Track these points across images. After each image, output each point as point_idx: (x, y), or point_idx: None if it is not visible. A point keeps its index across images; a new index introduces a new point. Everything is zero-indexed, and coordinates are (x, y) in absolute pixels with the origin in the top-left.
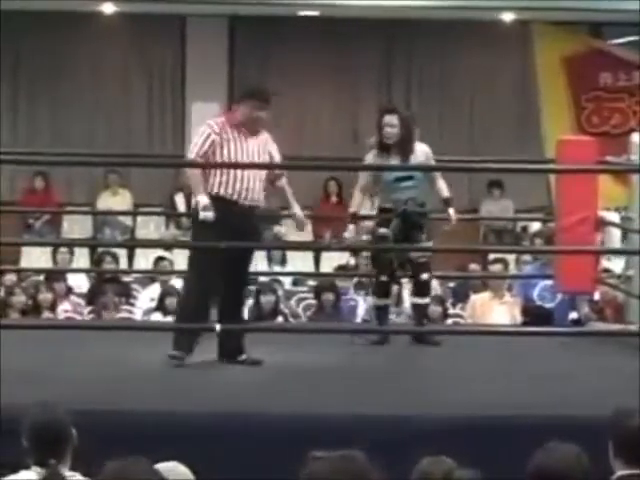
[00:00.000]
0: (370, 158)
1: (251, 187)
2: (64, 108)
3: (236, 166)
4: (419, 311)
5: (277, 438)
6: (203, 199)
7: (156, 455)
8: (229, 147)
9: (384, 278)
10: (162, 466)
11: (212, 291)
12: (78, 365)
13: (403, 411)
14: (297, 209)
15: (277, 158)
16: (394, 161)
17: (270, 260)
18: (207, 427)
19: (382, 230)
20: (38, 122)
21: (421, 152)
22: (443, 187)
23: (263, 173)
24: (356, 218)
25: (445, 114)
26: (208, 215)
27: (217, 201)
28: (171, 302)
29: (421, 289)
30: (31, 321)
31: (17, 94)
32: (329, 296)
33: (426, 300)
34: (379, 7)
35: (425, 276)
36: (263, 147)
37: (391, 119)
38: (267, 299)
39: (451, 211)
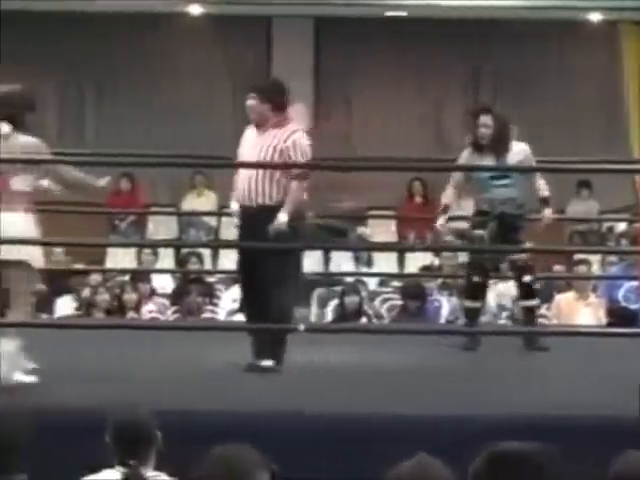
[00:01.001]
0: (465, 155)
1: (248, 187)
2: (149, 109)
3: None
4: (529, 314)
5: (354, 438)
6: (231, 205)
7: None
8: (241, 149)
9: (477, 280)
10: None
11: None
12: (155, 365)
13: (478, 411)
14: (282, 217)
15: (291, 155)
16: (487, 160)
17: (357, 261)
18: (283, 427)
19: (478, 232)
20: (123, 123)
21: (518, 151)
22: (542, 186)
23: (263, 171)
24: (447, 209)
25: (530, 114)
26: (234, 221)
27: None
28: None
29: (526, 291)
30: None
31: (102, 95)
32: (413, 297)
33: (534, 302)
34: (465, 7)
35: (527, 278)
36: (269, 143)
37: (486, 119)
38: (351, 300)
39: (547, 211)
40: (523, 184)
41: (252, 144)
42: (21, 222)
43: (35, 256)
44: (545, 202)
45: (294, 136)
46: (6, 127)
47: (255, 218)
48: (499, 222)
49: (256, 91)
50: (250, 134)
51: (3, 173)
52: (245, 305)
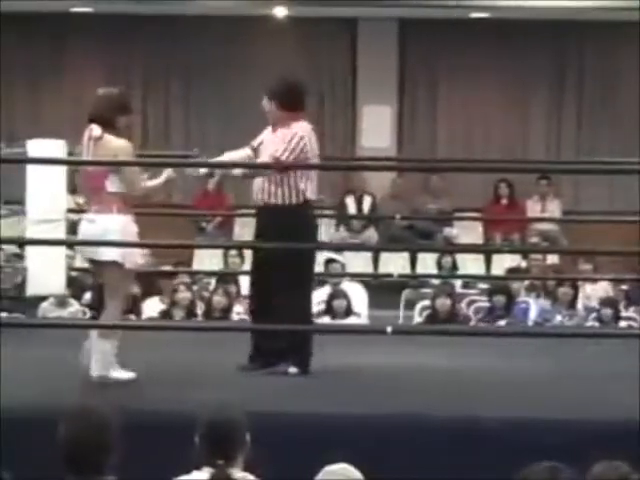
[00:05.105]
0: None
1: (257, 186)
2: (236, 110)
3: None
4: None
5: (438, 440)
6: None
7: (327, 457)
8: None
9: None
10: (331, 468)
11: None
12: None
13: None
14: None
15: (271, 151)
16: None
17: (439, 267)
18: (377, 429)
19: None
20: (209, 124)
21: None
22: None
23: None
24: None
25: (616, 114)
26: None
27: None
28: (339, 305)
29: None
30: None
31: (189, 96)
32: (500, 298)
33: None
34: (550, 8)
35: None
36: (277, 141)
37: None
38: (442, 302)
39: None
40: None
41: (265, 144)
42: (116, 224)
43: (130, 257)
44: None
45: (293, 132)
46: (98, 129)
47: (263, 216)
48: None
49: (266, 91)
50: (266, 134)
51: (96, 174)
52: (255, 306)
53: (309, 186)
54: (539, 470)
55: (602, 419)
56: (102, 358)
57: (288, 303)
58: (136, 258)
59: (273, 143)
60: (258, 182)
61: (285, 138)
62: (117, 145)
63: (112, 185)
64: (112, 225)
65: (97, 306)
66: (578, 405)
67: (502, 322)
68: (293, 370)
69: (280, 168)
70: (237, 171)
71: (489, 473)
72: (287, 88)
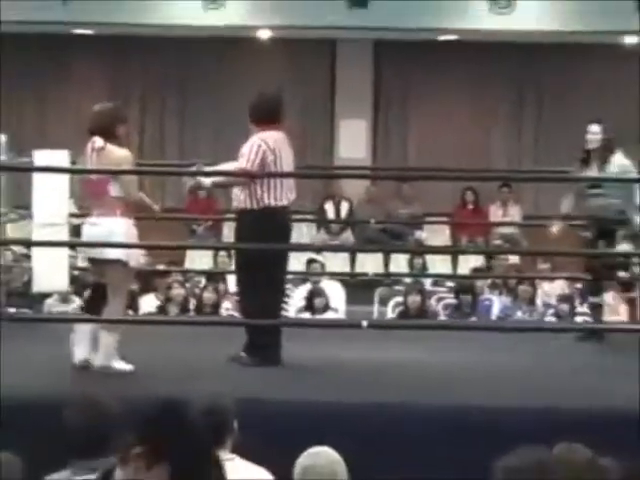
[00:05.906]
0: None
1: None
2: (226, 123)
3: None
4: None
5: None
6: None
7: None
8: None
9: (590, 278)
10: (312, 451)
11: None
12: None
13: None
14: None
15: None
16: (591, 170)
17: (410, 265)
18: (362, 416)
19: (585, 234)
20: (202, 136)
21: (617, 164)
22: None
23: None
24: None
25: (571, 128)
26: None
27: None
28: (319, 302)
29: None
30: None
31: (184, 110)
32: (466, 296)
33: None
34: (511, 32)
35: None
36: (240, 154)
37: (593, 128)
38: (413, 299)
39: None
40: (622, 193)
41: None
42: (120, 226)
43: (133, 256)
44: None
45: (250, 142)
46: (100, 141)
47: (237, 220)
48: (596, 226)
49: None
50: None
51: (99, 180)
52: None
53: (272, 192)
54: (525, 455)
55: (571, 406)
56: (105, 350)
57: (245, 302)
58: (138, 258)
59: (240, 155)
60: (234, 189)
61: (244, 149)
62: (119, 155)
63: (114, 190)
64: (117, 227)
65: (92, 303)
66: (547, 393)
67: (474, 318)
68: (247, 360)
69: (250, 177)
70: (207, 182)
71: (473, 460)
72: (255, 103)
